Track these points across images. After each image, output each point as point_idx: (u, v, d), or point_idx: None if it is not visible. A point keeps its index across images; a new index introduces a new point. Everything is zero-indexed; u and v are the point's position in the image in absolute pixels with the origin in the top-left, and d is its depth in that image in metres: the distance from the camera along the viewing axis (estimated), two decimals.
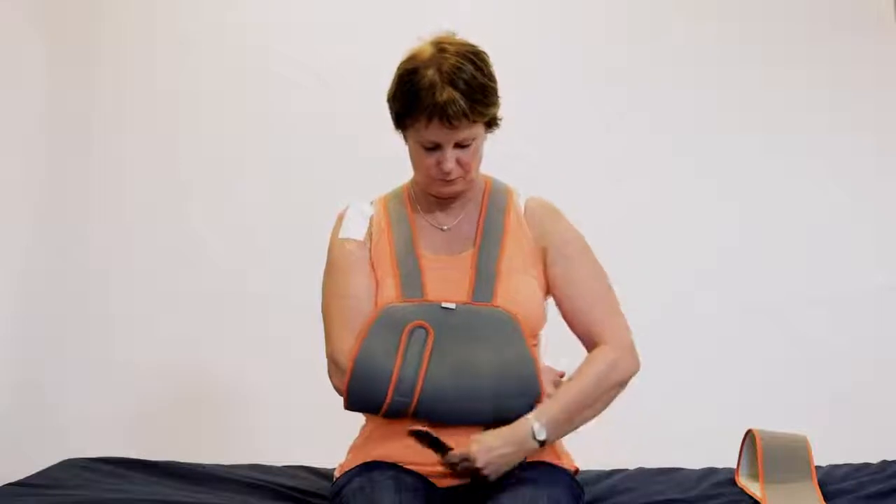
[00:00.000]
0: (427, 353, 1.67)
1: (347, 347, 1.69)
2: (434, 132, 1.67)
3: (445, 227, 1.81)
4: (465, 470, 1.60)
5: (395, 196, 1.87)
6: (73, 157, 2.93)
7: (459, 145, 1.70)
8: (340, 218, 1.84)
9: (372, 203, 1.87)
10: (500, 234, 1.78)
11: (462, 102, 1.64)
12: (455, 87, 1.65)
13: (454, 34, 1.75)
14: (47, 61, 2.89)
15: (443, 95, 1.64)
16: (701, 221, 2.93)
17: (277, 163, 2.95)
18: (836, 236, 2.92)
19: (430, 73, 1.66)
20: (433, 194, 1.80)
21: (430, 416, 1.66)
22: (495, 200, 1.82)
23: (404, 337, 1.67)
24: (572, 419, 1.68)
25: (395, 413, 1.67)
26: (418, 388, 1.65)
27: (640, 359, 1.75)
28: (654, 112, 2.95)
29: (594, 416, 1.72)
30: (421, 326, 1.68)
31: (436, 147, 1.70)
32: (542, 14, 3.00)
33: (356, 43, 2.95)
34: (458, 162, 1.71)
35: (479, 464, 1.58)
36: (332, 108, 2.92)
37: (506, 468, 1.62)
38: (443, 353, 1.67)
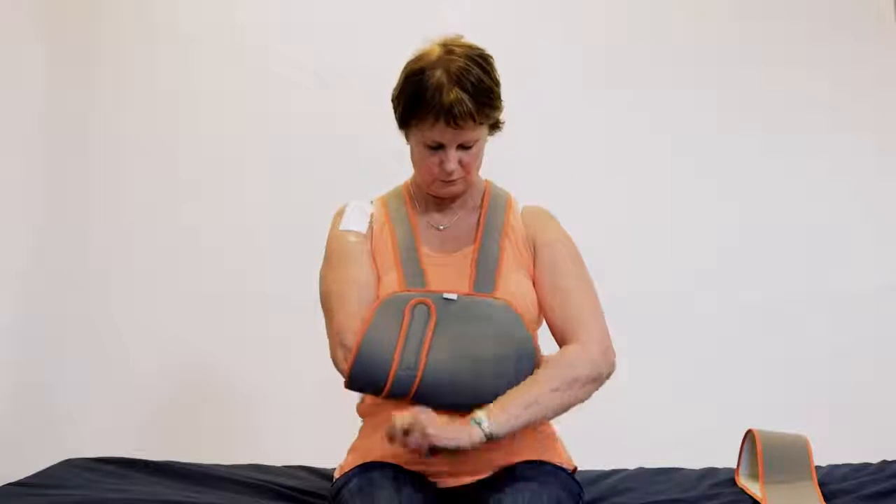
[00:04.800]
0: (430, 329, 1.67)
1: (353, 328, 1.69)
2: (439, 132, 1.68)
3: (442, 227, 1.81)
4: (415, 439, 1.53)
5: (395, 195, 1.88)
6: (72, 157, 2.93)
7: (462, 146, 1.71)
8: (339, 214, 1.85)
9: (371, 202, 1.88)
10: (499, 234, 1.79)
11: (469, 104, 1.66)
12: (462, 89, 1.66)
13: (461, 36, 1.75)
14: (47, 61, 2.88)
15: (450, 96, 1.65)
16: (701, 221, 2.93)
17: (277, 163, 2.95)
18: (836, 236, 2.92)
19: (438, 74, 1.67)
20: (433, 194, 1.80)
21: (432, 393, 1.64)
22: (495, 203, 1.84)
23: (407, 313, 1.68)
24: (526, 413, 1.60)
25: (399, 389, 1.65)
26: (422, 362, 1.65)
27: (616, 361, 1.72)
28: (654, 112, 2.95)
29: (558, 411, 1.65)
30: (423, 303, 1.69)
31: (439, 147, 1.71)
32: (543, 14, 3.00)
33: (356, 43, 2.95)
34: (460, 162, 1.73)
35: (426, 427, 1.52)
36: (332, 108, 2.92)
37: (455, 440, 1.53)
38: (445, 331, 1.67)
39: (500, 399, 1.61)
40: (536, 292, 1.78)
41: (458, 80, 1.66)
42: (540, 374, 1.67)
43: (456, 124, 1.67)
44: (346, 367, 1.69)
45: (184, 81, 2.98)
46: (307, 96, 2.95)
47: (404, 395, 1.66)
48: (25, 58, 2.80)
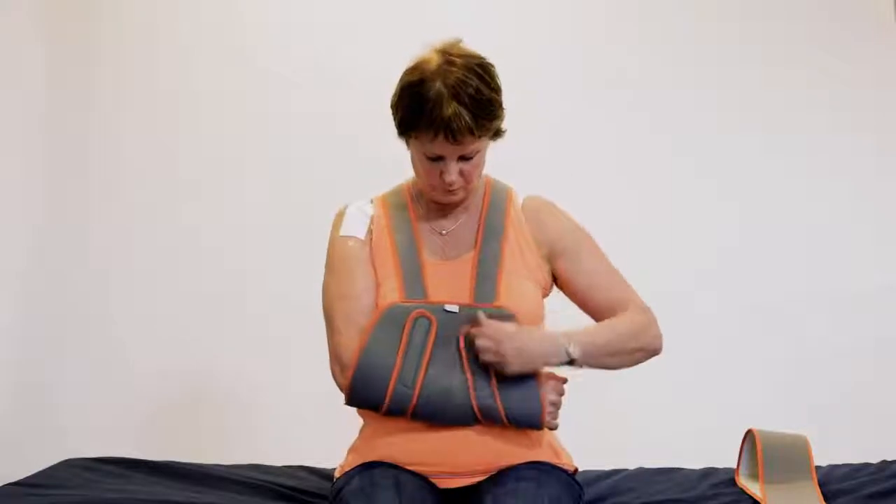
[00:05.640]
0: (430, 342, 1.67)
1: (352, 345, 1.69)
2: (438, 146, 1.67)
3: (444, 232, 1.81)
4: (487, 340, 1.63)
5: (396, 196, 1.87)
6: (73, 157, 2.93)
7: (463, 157, 1.70)
8: (340, 216, 1.84)
9: (371, 202, 1.87)
10: (499, 237, 1.78)
11: (467, 118, 1.63)
12: (460, 102, 1.63)
13: (460, 41, 1.72)
14: (47, 61, 2.89)
15: (448, 111, 1.62)
16: (701, 221, 2.93)
17: (277, 163, 2.95)
18: (836, 236, 2.92)
19: (436, 87, 1.64)
20: (434, 201, 1.79)
21: (432, 409, 1.65)
22: (495, 203, 1.83)
23: (407, 326, 1.68)
24: (601, 352, 1.70)
25: (398, 405, 1.65)
26: (420, 378, 1.65)
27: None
28: (654, 112, 2.96)
29: (618, 364, 1.73)
30: (424, 316, 1.68)
31: (439, 158, 1.70)
32: (543, 15, 3.00)
33: (356, 43, 2.95)
34: (461, 173, 1.71)
35: (502, 336, 1.63)
36: (332, 108, 2.92)
37: (522, 362, 1.64)
38: (446, 345, 1.67)
39: (582, 336, 1.69)
40: (561, 284, 1.80)
41: (456, 92, 1.63)
42: (612, 322, 1.74)
43: (455, 139, 1.64)
44: (344, 383, 1.70)
45: (184, 81, 2.98)
46: (307, 96, 2.95)
47: (403, 411, 1.66)
48: (25, 58, 2.81)
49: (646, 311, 1.77)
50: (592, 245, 1.82)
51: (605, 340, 1.71)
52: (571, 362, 1.67)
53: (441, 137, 1.65)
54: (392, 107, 1.73)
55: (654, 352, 1.76)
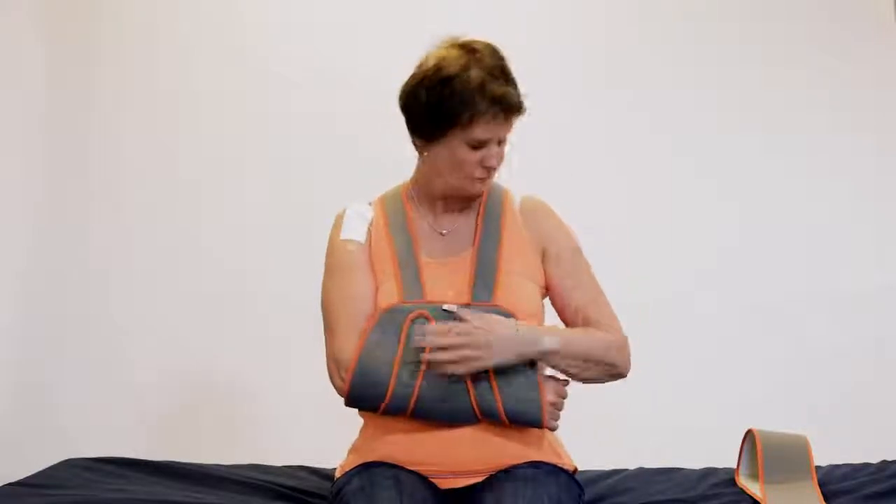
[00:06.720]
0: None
1: (351, 347, 1.69)
2: (490, 129, 1.69)
3: (444, 232, 1.81)
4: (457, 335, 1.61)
5: (393, 198, 1.87)
6: (73, 158, 2.93)
7: (499, 142, 1.73)
8: (339, 219, 1.84)
9: (370, 204, 1.87)
10: (497, 236, 1.78)
11: (515, 96, 1.68)
12: (507, 82, 1.68)
13: (463, 36, 1.74)
14: (47, 61, 2.89)
15: (498, 91, 1.66)
16: (701, 221, 2.93)
17: (277, 163, 2.95)
18: (836, 236, 2.93)
19: (475, 74, 1.66)
20: (464, 195, 1.78)
21: (430, 407, 1.65)
22: (492, 203, 1.83)
23: (406, 326, 1.68)
24: (576, 354, 1.68)
25: (397, 404, 1.66)
26: (419, 376, 1.65)
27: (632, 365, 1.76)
28: (654, 112, 2.96)
29: (584, 373, 1.71)
30: (422, 317, 1.69)
31: (480, 146, 1.71)
32: (543, 15, 3.00)
33: (356, 43, 2.95)
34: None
35: (475, 322, 1.62)
36: (332, 108, 2.92)
37: (491, 358, 1.62)
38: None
39: (559, 331, 1.71)
40: (546, 286, 1.79)
41: (496, 75, 1.68)
42: (589, 332, 1.74)
43: (505, 117, 1.68)
44: (342, 385, 1.70)
45: (184, 81, 2.98)
46: (307, 96, 2.95)
47: (403, 410, 1.66)
48: (25, 58, 2.81)
49: (619, 330, 1.76)
50: (580, 258, 1.81)
51: (580, 341, 1.70)
52: (545, 354, 1.66)
53: (495, 118, 1.67)
54: (416, 112, 1.72)
55: (620, 374, 1.75)
